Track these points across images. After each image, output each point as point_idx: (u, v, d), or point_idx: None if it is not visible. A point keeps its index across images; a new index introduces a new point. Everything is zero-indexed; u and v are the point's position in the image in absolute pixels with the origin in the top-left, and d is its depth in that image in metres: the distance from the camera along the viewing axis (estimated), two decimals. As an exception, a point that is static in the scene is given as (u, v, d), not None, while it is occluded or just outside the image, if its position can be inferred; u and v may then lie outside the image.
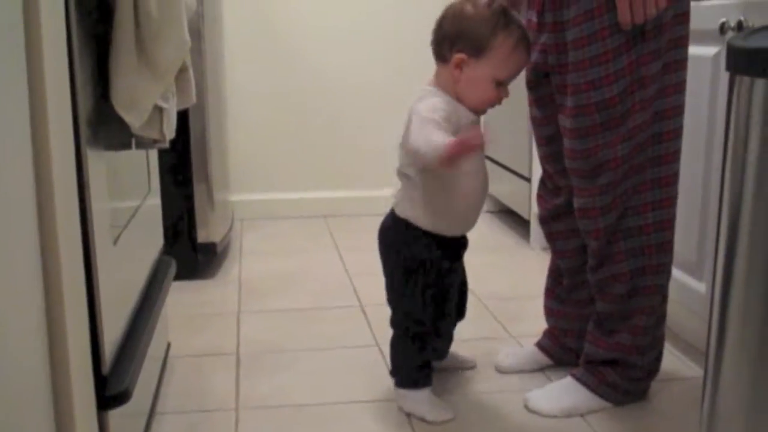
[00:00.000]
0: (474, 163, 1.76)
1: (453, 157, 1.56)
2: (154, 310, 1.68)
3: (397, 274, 1.83)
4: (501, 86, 1.75)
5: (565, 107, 1.76)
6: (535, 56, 1.82)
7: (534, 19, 1.82)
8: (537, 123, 1.94)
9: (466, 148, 1.56)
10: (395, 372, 1.89)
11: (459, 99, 1.76)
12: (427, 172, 1.73)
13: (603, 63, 1.67)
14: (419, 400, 1.85)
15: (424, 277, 1.79)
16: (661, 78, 1.70)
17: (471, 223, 1.85)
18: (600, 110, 1.70)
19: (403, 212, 1.80)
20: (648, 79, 1.68)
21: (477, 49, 1.71)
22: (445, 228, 1.80)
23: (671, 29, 1.68)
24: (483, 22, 1.72)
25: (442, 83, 1.77)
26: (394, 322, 1.88)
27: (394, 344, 1.90)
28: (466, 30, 1.72)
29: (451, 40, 1.74)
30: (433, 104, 1.70)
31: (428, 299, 1.80)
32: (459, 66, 1.73)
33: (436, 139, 1.59)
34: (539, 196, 2.02)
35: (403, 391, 1.87)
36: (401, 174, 1.81)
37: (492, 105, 1.77)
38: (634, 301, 1.81)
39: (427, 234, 1.79)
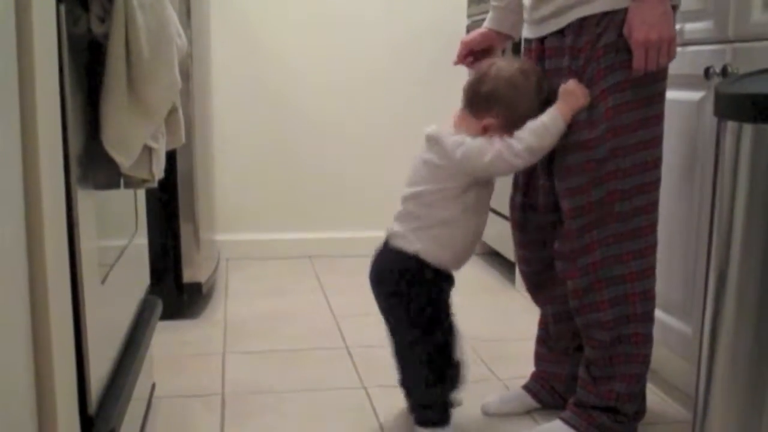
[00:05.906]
0: (483, 202, 1.87)
1: (572, 111, 1.73)
2: (140, 350, 1.67)
3: (413, 306, 1.85)
4: None
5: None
6: None
7: None
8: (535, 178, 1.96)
9: (576, 97, 1.73)
10: (417, 410, 1.92)
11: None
12: (445, 205, 1.81)
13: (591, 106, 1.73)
14: None
15: (435, 301, 1.86)
16: (642, 131, 1.73)
17: (466, 259, 1.90)
18: (577, 151, 1.75)
19: (410, 246, 1.83)
20: (622, 128, 1.72)
21: (511, 123, 1.79)
22: (447, 260, 1.84)
23: (655, 84, 1.73)
24: (527, 101, 1.79)
25: (464, 127, 1.83)
26: (414, 359, 1.89)
27: (416, 384, 1.92)
28: (510, 102, 1.80)
29: (489, 102, 1.81)
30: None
31: (436, 318, 1.86)
32: (486, 129, 1.80)
33: (535, 126, 1.75)
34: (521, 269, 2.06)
35: (422, 430, 1.89)
36: (409, 214, 1.85)
37: None
38: (621, 347, 1.81)
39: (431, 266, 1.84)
